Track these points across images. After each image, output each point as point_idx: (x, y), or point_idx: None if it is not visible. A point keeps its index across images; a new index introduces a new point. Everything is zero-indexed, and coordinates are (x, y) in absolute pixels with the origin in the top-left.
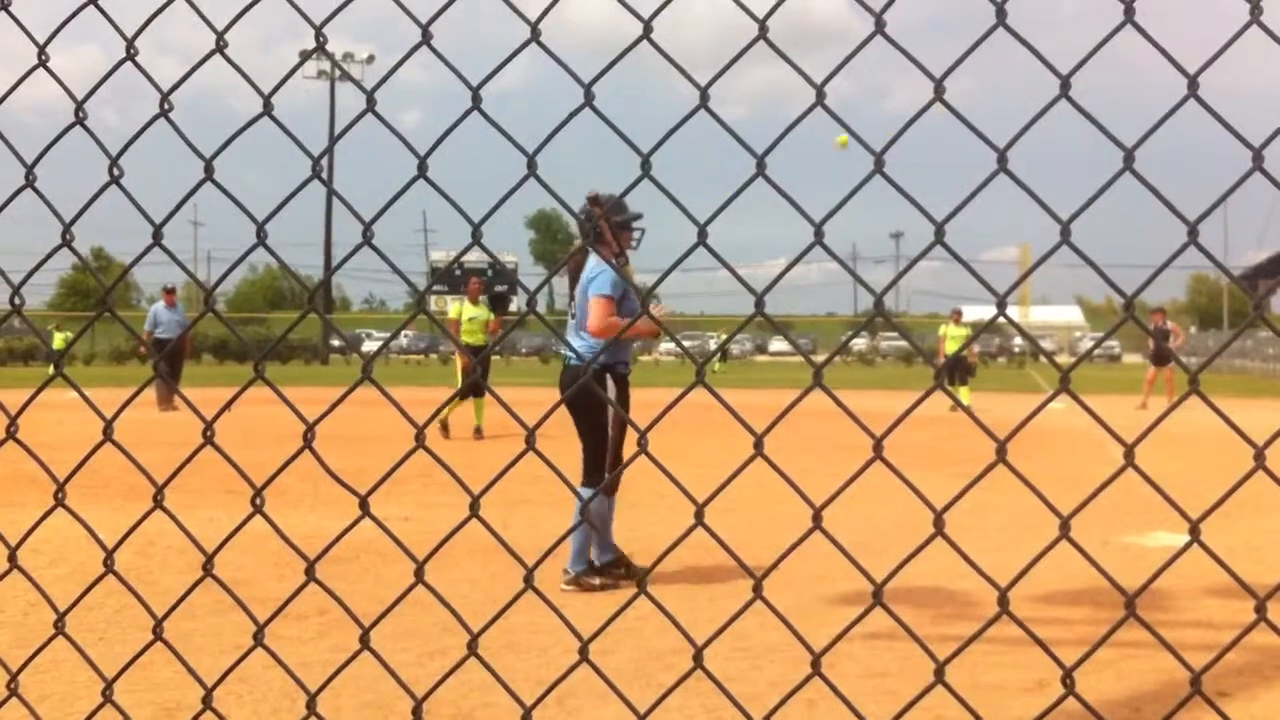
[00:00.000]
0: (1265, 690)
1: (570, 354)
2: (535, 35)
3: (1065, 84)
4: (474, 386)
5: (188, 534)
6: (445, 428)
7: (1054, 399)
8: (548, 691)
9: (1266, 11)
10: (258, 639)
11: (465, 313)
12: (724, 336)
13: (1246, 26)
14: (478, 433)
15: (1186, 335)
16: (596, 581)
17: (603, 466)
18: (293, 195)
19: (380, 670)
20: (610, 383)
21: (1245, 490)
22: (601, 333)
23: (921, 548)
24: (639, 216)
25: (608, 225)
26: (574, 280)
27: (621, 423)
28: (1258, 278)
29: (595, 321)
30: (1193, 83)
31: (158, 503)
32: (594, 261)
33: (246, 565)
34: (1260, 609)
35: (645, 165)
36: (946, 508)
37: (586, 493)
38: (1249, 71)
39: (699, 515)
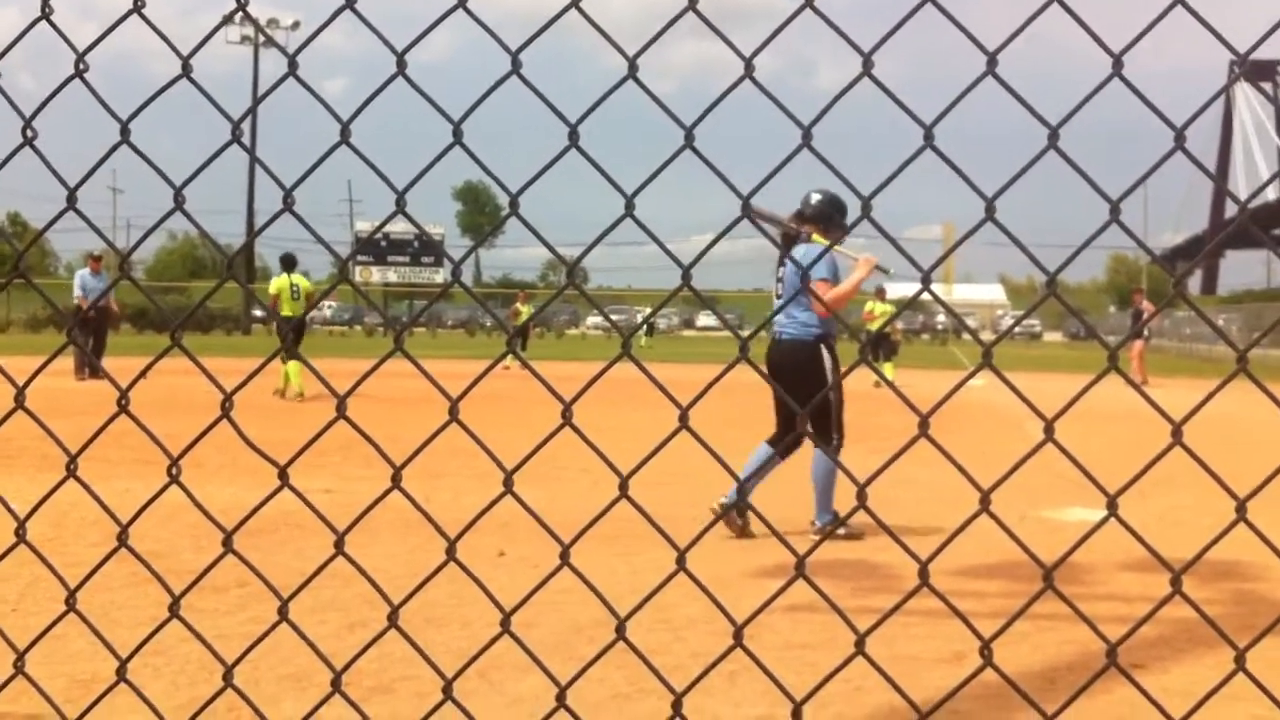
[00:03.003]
0: (1178, 662)
1: (782, 330)
2: (462, 1)
3: (992, 61)
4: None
5: (101, 504)
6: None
7: (976, 375)
8: (468, 664)
9: None
10: (173, 610)
11: (285, 284)
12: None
13: (1171, 7)
14: (299, 396)
15: (1160, 316)
16: (842, 531)
17: (830, 428)
18: (211, 159)
19: (300, 642)
20: (825, 352)
21: (1161, 466)
22: (836, 306)
23: (844, 520)
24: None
25: (830, 218)
26: (781, 263)
27: (840, 386)
28: (1176, 259)
29: (829, 301)
30: (1117, 62)
31: (70, 472)
32: (805, 247)
33: (164, 537)
34: (1175, 583)
35: (573, 135)
36: (869, 481)
37: (817, 458)
38: (1174, 52)
39: (623, 488)
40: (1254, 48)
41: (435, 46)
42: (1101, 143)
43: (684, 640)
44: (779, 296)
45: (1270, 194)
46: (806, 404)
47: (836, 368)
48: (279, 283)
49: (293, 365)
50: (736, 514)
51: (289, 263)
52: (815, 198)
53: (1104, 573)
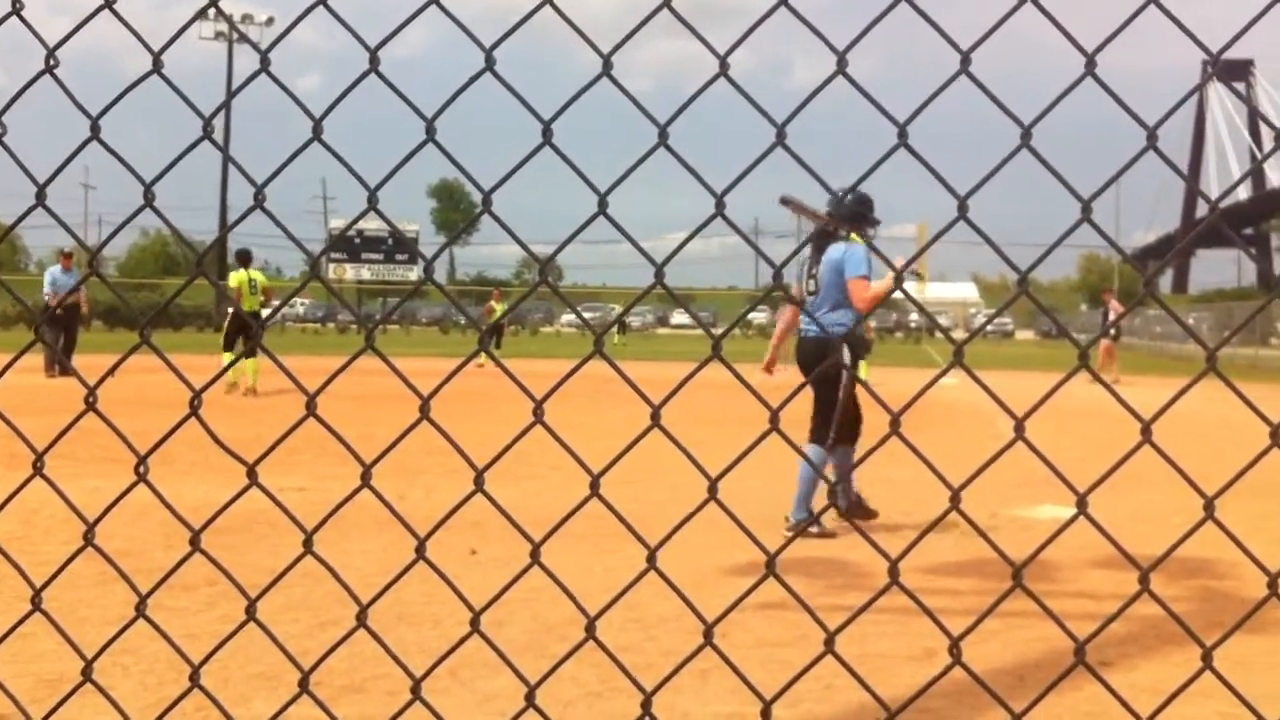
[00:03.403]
0: (1146, 660)
1: (811, 329)
2: None
3: (965, 59)
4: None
5: (68, 502)
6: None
7: (948, 373)
8: (438, 663)
9: None
10: (139, 610)
11: (241, 279)
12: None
13: (1144, 6)
14: (251, 391)
15: (1126, 314)
16: (815, 529)
17: (829, 426)
18: (182, 156)
19: (270, 641)
20: (846, 350)
21: (1131, 464)
22: (868, 307)
23: (815, 519)
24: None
25: (863, 216)
26: (815, 261)
27: (853, 384)
28: (1147, 258)
29: (861, 298)
30: (1090, 61)
31: (37, 470)
32: (841, 246)
33: (135, 535)
34: (1143, 580)
35: (546, 133)
36: (840, 479)
37: (814, 449)
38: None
39: (594, 486)
40: (1226, 47)
41: (410, 43)
42: (1074, 142)
43: (655, 638)
44: (811, 294)
45: (1241, 193)
46: (825, 399)
47: (852, 368)
48: (238, 278)
49: (250, 361)
50: (815, 522)
51: (245, 258)
52: (846, 198)
53: (1074, 570)
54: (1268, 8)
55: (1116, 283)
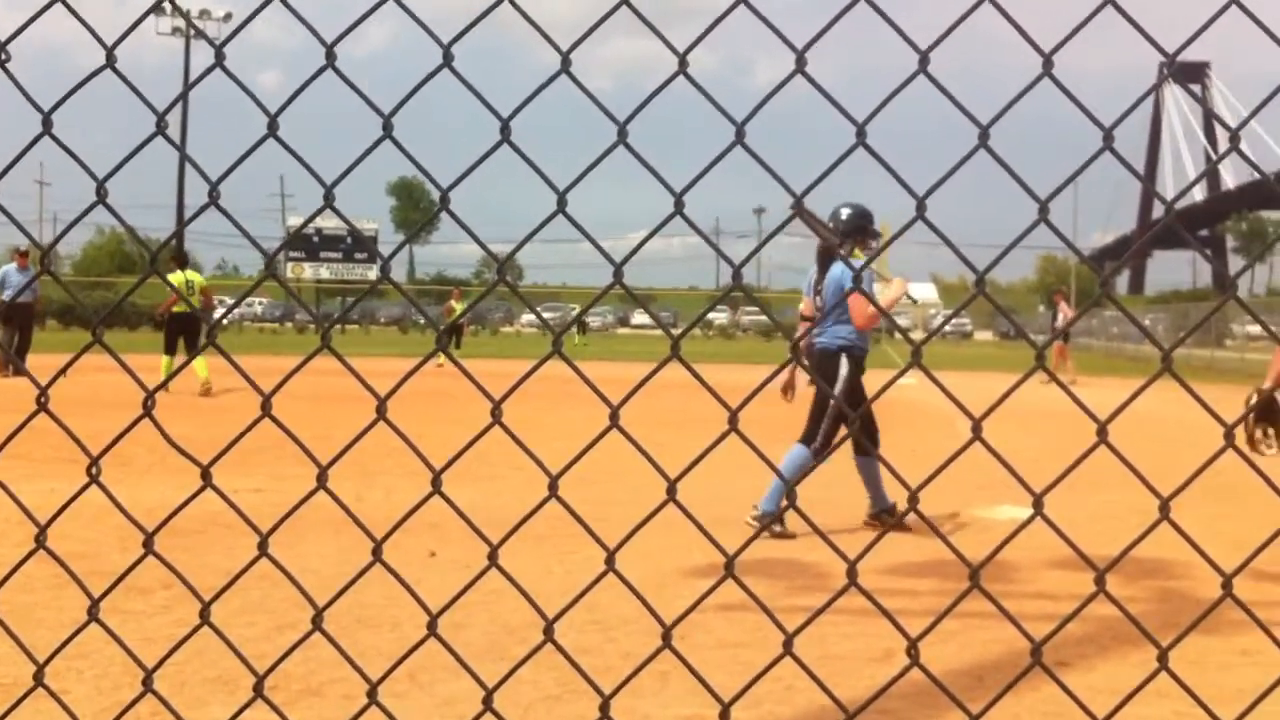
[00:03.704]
0: (1103, 660)
1: (815, 339)
2: None
3: (924, 59)
4: (187, 346)
5: (19, 503)
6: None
7: (906, 374)
8: (395, 666)
9: None
10: (91, 613)
11: (174, 280)
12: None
13: (1101, 7)
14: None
15: (1071, 311)
16: (778, 528)
17: (823, 432)
18: (135, 152)
19: (227, 645)
20: (845, 361)
21: (1089, 465)
22: (868, 324)
23: (774, 519)
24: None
25: (863, 229)
26: (821, 277)
27: (850, 394)
28: (1104, 259)
29: (861, 316)
30: (1047, 61)
31: None
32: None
33: (90, 538)
34: (1099, 581)
35: (505, 130)
36: (799, 480)
37: (799, 449)
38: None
39: (553, 487)
40: (1182, 48)
41: (369, 40)
42: (1033, 142)
43: (615, 641)
44: (819, 309)
45: (1197, 195)
46: (824, 408)
47: (852, 379)
48: (176, 279)
49: (199, 361)
50: (779, 520)
51: (182, 259)
52: (845, 212)
53: (1032, 571)
54: (1222, 9)
55: (1074, 283)
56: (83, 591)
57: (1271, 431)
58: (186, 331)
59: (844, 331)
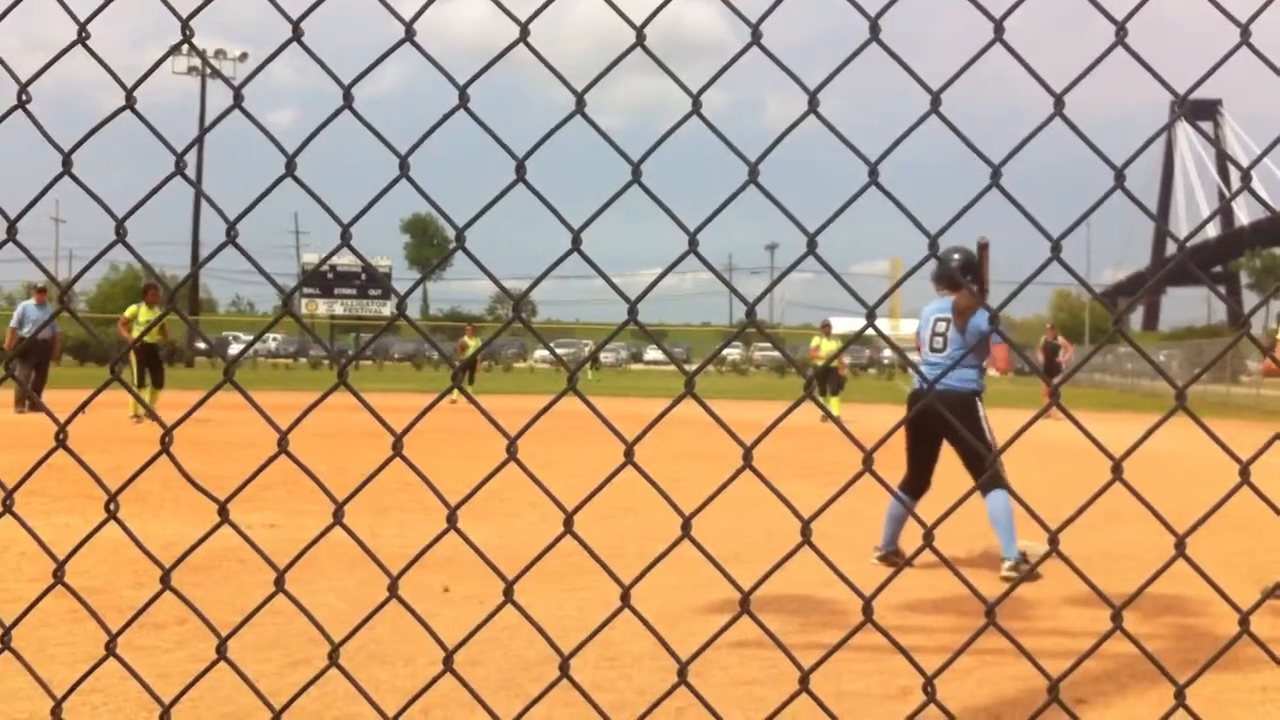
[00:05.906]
0: (1121, 697)
1: (941, 381)
2: (409, 35)
3: (936, 100)
4: (153, 378)
5: (37, 539)
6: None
7: (919, 409)
8: (411, 702)
9: (1132, 34)
10: (109, 648)
11: (141, 315)
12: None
13: (1112, 47)
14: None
15: (1073, 349)
16: (1024, 566)
17: (998, 470)
18: (155, 191)
19: (242, 681)
20: (979, 404)
21: (1103, 501)
22: (1008, 367)
23: (789, 556)
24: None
25: (966, 270)
26: (942, 318)
27: (985, 433)
28: (1118, 296)
29: (1004, 360)
30: (1059, 102)
31: (6, 507)
32: (947, 299)
33: (104, 573)
34: (1116, 618)
35: (520, 170)
36: (814, 516)
37: (999, 496)
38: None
39: (568, 523)
40: (1193, 88)
41: (386, 80)
42: (1045, 181)
43: (630, 677)
44: (935, 350)
45: (1210, 232)
46: (966, 452)
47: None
48: (131, 310)
49: (149, 390)
50: (897, 555)
51: (147, 292)
52: (956, 257)
53: (1048, 607)
54: (1231, 51)
55: (1088, 319)
56: (100, 626)
57: None
58: (152, 363)
59: (972, 375)
